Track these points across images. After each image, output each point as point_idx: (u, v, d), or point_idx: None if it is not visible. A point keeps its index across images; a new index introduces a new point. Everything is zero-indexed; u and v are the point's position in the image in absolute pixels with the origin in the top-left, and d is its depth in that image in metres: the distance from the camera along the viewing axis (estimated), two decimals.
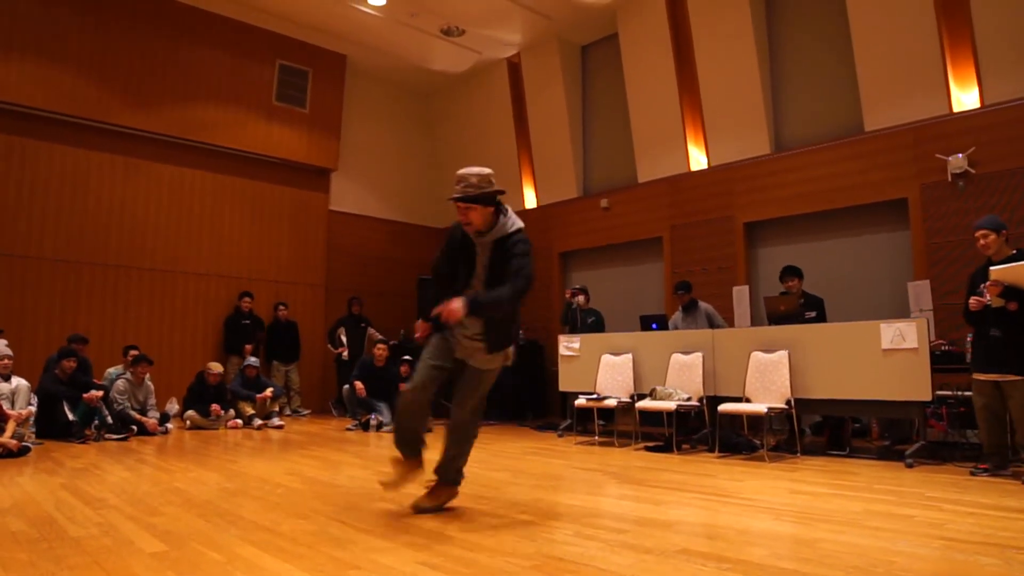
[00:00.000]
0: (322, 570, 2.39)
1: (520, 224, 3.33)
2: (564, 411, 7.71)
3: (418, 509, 3.37)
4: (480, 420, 3.56)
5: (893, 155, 6.99)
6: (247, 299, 9.43)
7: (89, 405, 6.63)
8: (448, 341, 3.37)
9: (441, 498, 3.44)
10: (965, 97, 6.66)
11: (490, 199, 3.21)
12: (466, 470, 3.55)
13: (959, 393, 5.47)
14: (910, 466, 4.84)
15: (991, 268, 4.40)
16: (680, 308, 7.19)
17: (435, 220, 12.26)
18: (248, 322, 9.38)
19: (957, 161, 6.48)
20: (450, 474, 3.46)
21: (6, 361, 6.07)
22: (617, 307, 9.00)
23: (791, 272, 6.29)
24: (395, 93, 11.84)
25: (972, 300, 4.50)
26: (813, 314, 6.07)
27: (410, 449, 3.40)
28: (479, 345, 3.32)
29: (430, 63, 10.80)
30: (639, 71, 9.13)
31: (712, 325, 6.87)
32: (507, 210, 3.33)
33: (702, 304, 7.15)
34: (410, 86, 11.89)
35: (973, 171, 6.43)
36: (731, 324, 7.18)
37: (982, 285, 4.45)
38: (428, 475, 3.47)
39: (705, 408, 5.96)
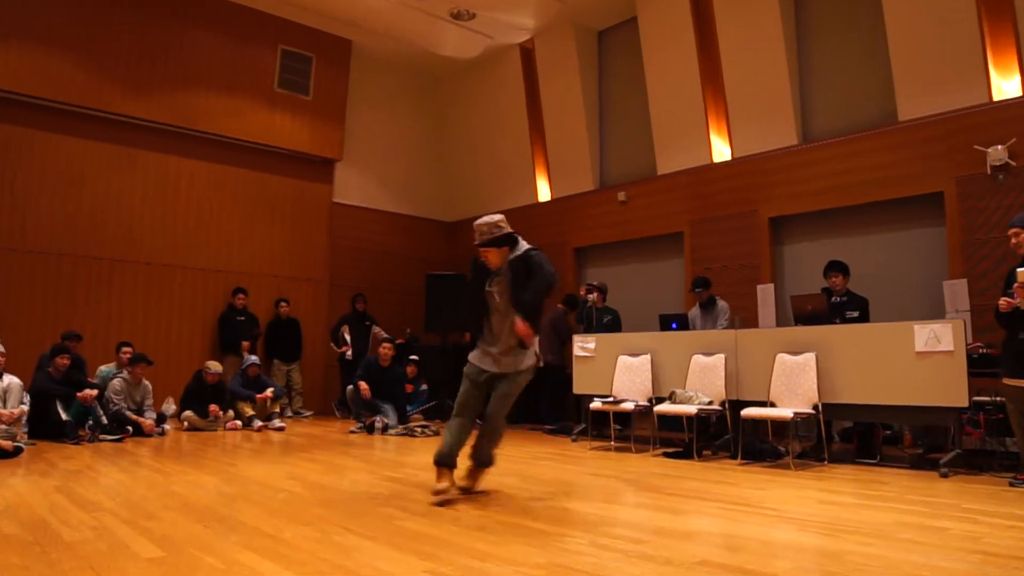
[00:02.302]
0: None
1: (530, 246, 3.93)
2: (578, 414, 7.65)
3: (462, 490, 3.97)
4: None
5: (928, 146, 6.87)
6: (241, 295, 9.30)
7: (83, 404, 6.60)
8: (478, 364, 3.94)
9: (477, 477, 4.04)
10: (1006, 85, 6.51)
11: (501, 242, 3.84)
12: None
13: (997, 399, 5.33)
14: (945, 475, 4.77)
15: (1018, 270, 4.34)
16: (698, 304, 7.27)
17: (444, 213, 12.22)
18: (243, 319, 9.26)
19: (996, 152, 6.33)
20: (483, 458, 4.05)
21: None
22: (635, 306, 8.93)
23: (835, 267, 6.11)
24: (402, 80, 11.68)
25: (1001, 301, 4.43)
26: (856, 314, 5.95)
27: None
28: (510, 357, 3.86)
29: (439, 48, 10.67)
30: (659, 57, 9.01)
31: (717, 322, 6.97)
32: (517, 240, 3.92)
33: (720, 302, 7.19)
34: (418, 73, 11.77)
35: (1014, 163, 6.28)
36: (755, 324, 7.15)
37: (1013, 286, 4.40)
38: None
39: (727, 412, 5.89)
